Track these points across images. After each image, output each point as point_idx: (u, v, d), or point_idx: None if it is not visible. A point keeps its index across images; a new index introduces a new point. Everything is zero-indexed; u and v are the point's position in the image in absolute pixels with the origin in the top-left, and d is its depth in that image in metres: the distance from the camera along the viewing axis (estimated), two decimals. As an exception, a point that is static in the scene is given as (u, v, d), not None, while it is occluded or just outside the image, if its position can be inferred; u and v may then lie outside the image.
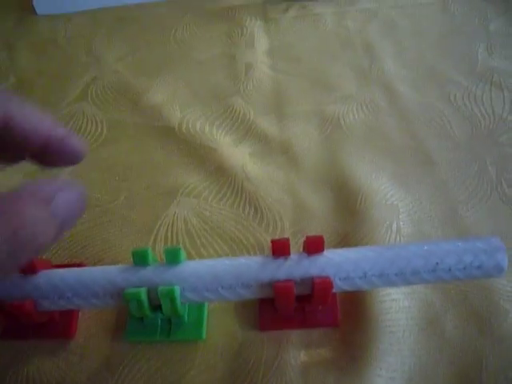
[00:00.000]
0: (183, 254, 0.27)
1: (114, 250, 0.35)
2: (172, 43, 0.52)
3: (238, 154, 0.40)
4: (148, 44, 0.53)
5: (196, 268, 0.26)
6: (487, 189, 0.36)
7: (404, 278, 0.25)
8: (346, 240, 0.34)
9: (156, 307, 0.26)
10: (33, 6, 0.58)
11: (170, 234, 0.35)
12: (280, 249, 0.26)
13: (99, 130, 0.44)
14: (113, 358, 0.29)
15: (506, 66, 0.45)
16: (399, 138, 0.40)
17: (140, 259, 0.26)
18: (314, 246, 0.26)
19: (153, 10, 0.57)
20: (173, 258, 0.26)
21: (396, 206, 0.35)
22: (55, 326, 0.30)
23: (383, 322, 0.29)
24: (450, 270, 0.25)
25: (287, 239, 0.26)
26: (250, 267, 0.26)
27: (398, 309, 0.29)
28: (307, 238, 0.26)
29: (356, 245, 0.33)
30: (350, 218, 0.35)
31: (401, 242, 0.33)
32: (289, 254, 0.26)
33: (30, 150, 0.19)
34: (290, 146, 0.40)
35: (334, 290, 0.25)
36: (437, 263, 0.25)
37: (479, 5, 0.53)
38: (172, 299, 0.25)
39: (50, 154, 0.19)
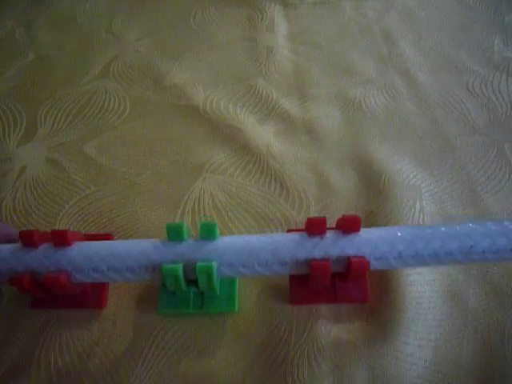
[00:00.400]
0: (218, 230, 0.27)
1: (142, 223, 0.35)
2: (192, 25, 0.53)
3: (263, 134, 0.40)
4: (168, 25, 0.53)
5: (232, 244, 0.26)
6: (505, 172, 0.37)
7: (437, 258, 0.25)
8: (370, 217, 0.35)
9: (190, 281, 0.26)
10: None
11: (196, 208, 0.36)
12: (316, 227, 0.26)
13: (122, 106, 0.44)
14: (145, 325, 0.30)
15: (521, 56, 0.47)
16: (419, 122, 0.41)
17: (175, 233, 0.26)
18: (350, 226, 0.26)
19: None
20: (208, 233, 0.26)
21: (418, 186, 0.36)
22: (87, 297, 0.30)
23: (410, 293, 0.30)
24: (483, 252, 0.25)
25: (324, 218, 0.26)
26: (286, 244, 0.26)
27: (423, 282, 0.30)
28: (343, 216, 0.26)
29: (380, 222, 0.34)
30: (374, 196, 0.36)
31: (424, 220, 0.34)
32: (325, 232, 0.26)
33: None
34: (313, 126, 0.41)
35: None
36: (471, 246, 0.25)
37: (494, -2, 0.54)
38: (209, 275, 0.25)
39: None
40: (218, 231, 0.26)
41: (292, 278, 0.30)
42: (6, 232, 0.29)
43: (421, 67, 0.46)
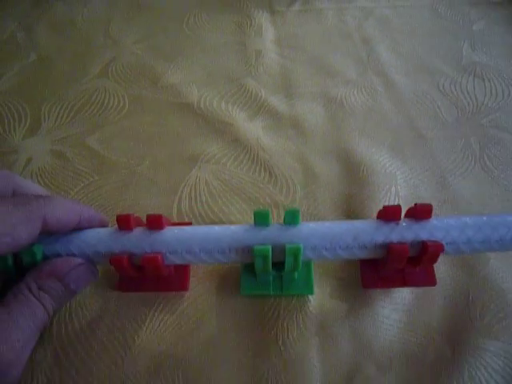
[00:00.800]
0: (300, 216, 0.28)
1: (143, 207, 0.38)
2: (185, 30, 0.56)
3: (253, 128, 0.44)
4: (163, 30, 0.56)
5: (315, 229, 0.28)
6: (471, 161, 0.41)
7: (503, 244, 0.27)
8: (350, 201, 0.38)
9: (273, 264, 0.28)
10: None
11: (193, 194, 0.39)
12: (392, 214, 0.27)
13: (121, 104, 0.47)
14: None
15: (487, 60, 0.51)
16: (395, 118, 0.45)
17: (262, 219, 0.28)
18: (422, 213, 0.27)
19: (165, -1, 0.61)
20: (292, 218, 0.28)
21: (394, 173, 0.40)
22: (171, 280, 0.32)
23: (386, 264, 0.33)
24: None
25: (399, 206, 0.27)
26: (366, 229, 0.27)
27: (398, 255, 0.34)
28: (417, 205, 0.28)
29: (360, 205, 0.37)
30: (354, 183, 0.39)
31: (399, 202, 0.38)
32: (399, 219, 0.27)
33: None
34: (299, 121, 0.45)
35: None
36: None
37: (463, 8, 0.59)
38: (296, 256, 0.26)
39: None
40: (300, 217, 0.28)
41: (362, 263, 0.32)
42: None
43: (396, 69, 0.51)
